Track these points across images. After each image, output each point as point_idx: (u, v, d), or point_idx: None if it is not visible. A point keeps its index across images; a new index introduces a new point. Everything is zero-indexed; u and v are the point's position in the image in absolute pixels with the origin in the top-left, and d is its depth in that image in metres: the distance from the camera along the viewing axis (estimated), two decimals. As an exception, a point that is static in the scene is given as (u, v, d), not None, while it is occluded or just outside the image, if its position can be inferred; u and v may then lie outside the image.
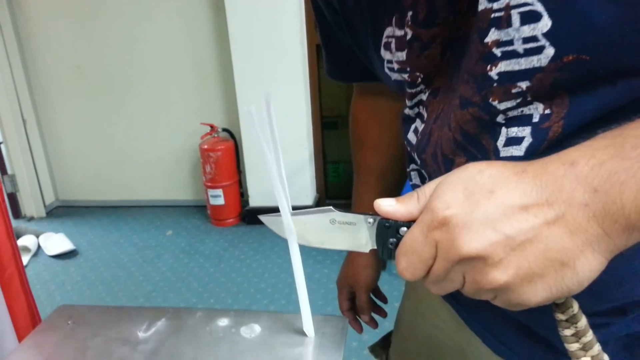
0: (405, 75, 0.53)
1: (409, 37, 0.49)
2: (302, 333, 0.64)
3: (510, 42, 0.40)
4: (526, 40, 0.39)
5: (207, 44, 3.12)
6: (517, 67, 0.41)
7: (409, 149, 0.59)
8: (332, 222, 0.49)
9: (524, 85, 0.41)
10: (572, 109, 0.40)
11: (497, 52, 0.41)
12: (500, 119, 0.44)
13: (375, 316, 0.89)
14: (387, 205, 0.43)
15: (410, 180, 0.62)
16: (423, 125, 0.54)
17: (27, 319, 0.97)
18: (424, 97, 0.54)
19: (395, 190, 0.81)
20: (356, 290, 0.85)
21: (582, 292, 0.42)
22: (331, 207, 0.49)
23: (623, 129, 0.34)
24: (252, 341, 0.64)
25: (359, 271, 0.83)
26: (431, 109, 0.52)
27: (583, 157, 0.34)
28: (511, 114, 0.43)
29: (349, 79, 0.74)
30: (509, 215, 0.35)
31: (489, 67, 0.42)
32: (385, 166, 0.79)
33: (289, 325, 0.66)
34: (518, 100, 0.42)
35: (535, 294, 0.36)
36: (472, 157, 0.48)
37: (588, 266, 0.34)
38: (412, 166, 0.60)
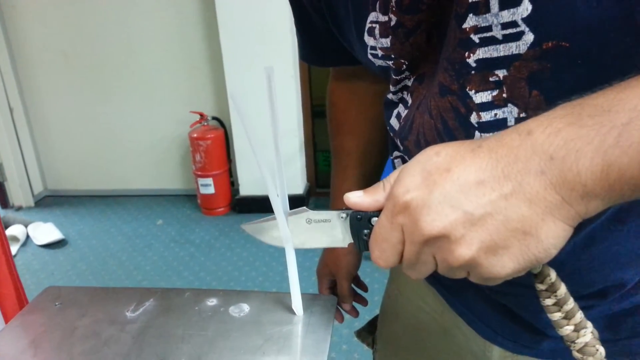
0: (390, 62, 0.52)
1: (393, 23, 0.48)
2: (291, 312, 0.64)
3: (488, 28, 0.40)
4: (505, 25, 0.39)
5: (196, 32, 3.09)
6: (495, 54, 0.40)
7: (392, 134, 0.58)
8: (308, 222, 0.52)
9: (501, 74, 0.41)
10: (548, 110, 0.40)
11: (475, 38, 0.41)
12: (473, 119, 0.44)
13: (363, 300, 0.87)
14: (355, 197, 0.44)
15: (394, 167, 0.61)
16: (406, 111, 0.54)
17: (14, 303, 0.96)
18: (408, 82, 0.53)
19: (374, 174, 0.79)
20: (337, 278, 0.82)
21: (567, 277, 0.42)
22: (305, 207, 0.52)
23: (583, 99, 0.34)
24: (240, 320, 0.64)
25: (340, 258, 0.81)
26: (416, 95, 0.52)
27: (539, 126, 0.34)
28: (484, 116, 0.43)
29: (325, 63, 0.72)
30: (465, 192, 0.35)
31: (466, 54, 0.42)
32: (364, 149, 0.77)
33: (278, 304, 0.66)
34: (494, 93, 0.42)
35: (504, 266, 0.36)
36: None
37: (551, 233, 0.34)
38: (396, 153, 0.60)
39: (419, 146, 0.51)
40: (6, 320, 0.92)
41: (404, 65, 0.51)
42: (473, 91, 0.43)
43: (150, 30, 3.13)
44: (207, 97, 3.23)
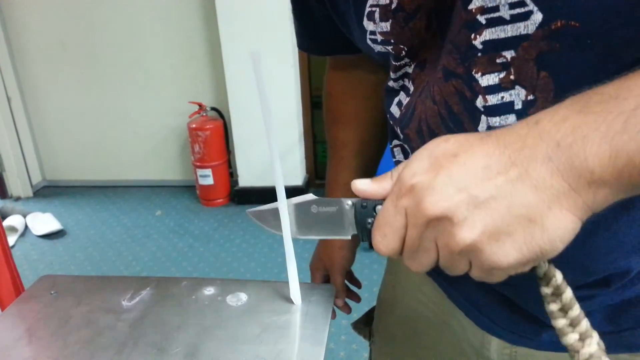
0: (389, 47, 0.51)
1: (393, 5, 0.47)
2: (289, 301, 0.64)
3: (495, 9, 0.39)
4: (513, 5, 0.38)
5: (195, 21, 3.07)
6: (502, 35, 0.40)
7: (391, 122, 0.57)
8: (313, 209, 0.51)
9: (508, 55, 0.40)
10: (558, 93, 0.39)
11: (482, 19, 0.40)
12: (479, 103, 0.43)
13: (356, 297, 0.86)
14: (362, 184, 0.43)
15: (394, 156, 0.61)
16: (408, 99, 0.53)
17: (11, 293, 0.96)
18: (409, 69, 0.52)
19: (371, 166, 0.78)
20: (331, 273, 0.81)
21: (570, 265, 0.41)
22: (311, 194, 0.51)
23: (592, 90, 0.33)
24: (238, 309, 0.63)
25: (334, 252, 0.79)
26: (418, 82, 0.51)
27: (547, 115, 0.34)
28: (491, 99, 0.42)
29: (322, 51, 0.71)
30: (471, 175, 0.35)
31: (473, 36, 0.41)
32: (361, 141, 0.76)
33: (276, 293, 0.66)
34: (501, 75, 0.41)
35: (506, 254, 0.35)
36: None
37: (557, 223, 0.33)
38: (395, 142, 0.59)
39: (421, 134, 0.51)
40: (2, 310, 0.91)
41: (403, 52, 0.50)
42: (479, 74, 0.42)
43: (148, 19, 3.10)
44: (205, 88, 3.21)
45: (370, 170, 0.78)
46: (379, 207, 0.43)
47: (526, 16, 0.38)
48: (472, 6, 0.40)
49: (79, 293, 0.68)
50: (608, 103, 0.31)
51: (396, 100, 0.56)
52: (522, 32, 0.39)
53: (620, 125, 0.31)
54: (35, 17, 3.20)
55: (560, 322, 0.40)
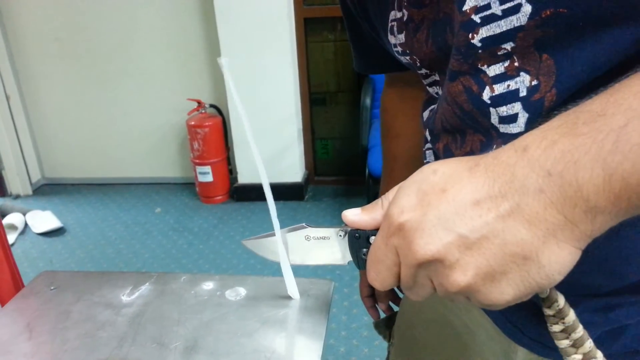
0: (407, 58, 0.53)
1: (405, 17, 0.49)
2: (288, 296, 0.64)
3: (487, 7, 0.40)
4: (502, 1, 0.39)
5: (193, 18, 3.06)
6: (498, 30, 0.40)
7: (422, 127, 0.59)
8: (307, 239, 0.52)
9: (508, 46, 0.41)
10: (560, 75, 0.39)
11: (476, 18, 0.41)
12: (486, 95, 0.43)
13: (398, 300, 0.88)
14: (353, 215, 0.43)
15: (425, 158, 0.62)
16: (435, 105, 0.55)
17: (10, 289, 0.96)
18: (436, 77, 0.54)
19: None
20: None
21: (592, 270, 0.40)
22: (304, 224, 0.52)
23: (579, 106, 0.32)
24: (237, 303, 0.64)
25: None
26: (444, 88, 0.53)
27: (535, 141, 0.32)
28: (497, 89, 0.43)
29: (375, 70, 0.74)
30: (461, 213, 0.34)
31: (470, 36, 0.42)
32: (411, 154, 0.79)
33: (275, 288, 0.66)
34: (506, 64, 0.42)
35: (503, 292, 0.34)
36: (477, 132, 0.48)
37: (554, 257, 0.32)
38: (427, 145, 0.60)
39: (445, 133, 0.52)
40: (2, 304, 0.91)
41: (418, 62, 0.52)
42: (485, 66, 0.43)
43: (147, 16, 3.10)
44: (204, 85, 3.21)
45: None
46: (372, 238, 0.43)
47: (516, 9, 0.39)
48: (466, 7, 0.41)
49: (78, 288, 0.68)
50: (596, 122, 0.30)
51: (430, 107, 0.58)
52: (516, 25, 0.39)
53: (611, 144, 0.29)
54: (33, 16, 3.19)
55: (563, 343, 0.39)
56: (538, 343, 0.55)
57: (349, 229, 0.45)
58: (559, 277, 0.33)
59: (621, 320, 0.46)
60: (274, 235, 0.55)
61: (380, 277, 0.40)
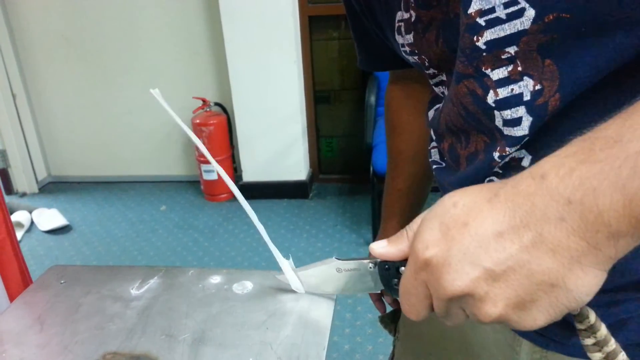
0: (416, 58, 0.54)
1: (413, 18, 0.50)
2: (294, 290, 0.65)
3: (492, 10, 0.41)
4: (507, 4, 0.40)
5: (198, 16, 3.07)
6: (502, 34, 0.41)
7: (427, 126, 0.60)
8: (338, 271, 0.55)
9: (512, 50, 0.42)
10: (563, 80, 0.40)
11: (481, 21, 0.42)
12: (490, 98, 0.44)
13: None
14: (380, 248, 0.44)
15: (430, 157, 0.63)
16: (441, 104, 0.56)
17: (19, 285, 0.97)
18: (443, 77, 0.54)
19: (424, 175, 0.82)
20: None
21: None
22: (334, 257, 0.55)
23: (593, 131, 0.32)
24: (244, 296, 0.65)
25: None
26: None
27: (552, 168, 0.33)
28: (501, 93, 0.43)
29: (379, 67, 0.75)
30: (485, 247, 0.34)
31: (475, 38, 0.43)
32: (415, 149, 0.80)
33: (281, 282, 0.67)
34: (509, 68, 0.42)
35: (535, 318, 0.35)
36: (481, 133, 0.48)
37: (581, 282, 0.32)
38: (432, 144, 0.62)
39: (449, 133, 0.53)
40: (11, 300, 0.93)
41: (426, 62, 0.53)
42: (489, 70, 0.44)
43: (152, 15, 3.11)
44: (209, 83, 3.22)
45: (423, 180, 0.82)
46: (402, 269, 0.44)
47: (520, 13, 0.39)
48: (471, 10, 0.42)
49: (87, 282, 0.69)
50: (612, 148, 0.30)
51: (435, 106, 0.59)
52: (520, 28, 0.40)
53: (629, 170, 0.29)
54: (39, 15, 3.21)
55: (596, 356, 0.39)
56: (541, 336, 0.56)
57: (378, 260, 0.46)
58: (587, 299, 0.34)
59: (623, 314, 0.47)
60: (299, 269, 0.61)
61: (414, 309, 0.41)
